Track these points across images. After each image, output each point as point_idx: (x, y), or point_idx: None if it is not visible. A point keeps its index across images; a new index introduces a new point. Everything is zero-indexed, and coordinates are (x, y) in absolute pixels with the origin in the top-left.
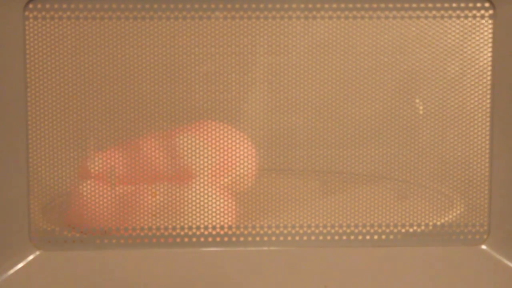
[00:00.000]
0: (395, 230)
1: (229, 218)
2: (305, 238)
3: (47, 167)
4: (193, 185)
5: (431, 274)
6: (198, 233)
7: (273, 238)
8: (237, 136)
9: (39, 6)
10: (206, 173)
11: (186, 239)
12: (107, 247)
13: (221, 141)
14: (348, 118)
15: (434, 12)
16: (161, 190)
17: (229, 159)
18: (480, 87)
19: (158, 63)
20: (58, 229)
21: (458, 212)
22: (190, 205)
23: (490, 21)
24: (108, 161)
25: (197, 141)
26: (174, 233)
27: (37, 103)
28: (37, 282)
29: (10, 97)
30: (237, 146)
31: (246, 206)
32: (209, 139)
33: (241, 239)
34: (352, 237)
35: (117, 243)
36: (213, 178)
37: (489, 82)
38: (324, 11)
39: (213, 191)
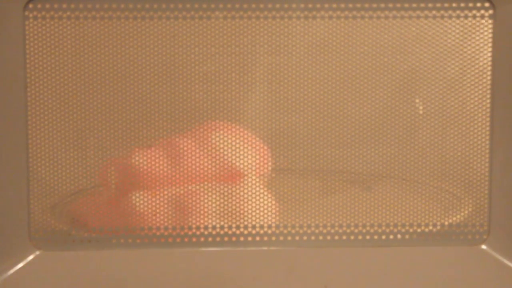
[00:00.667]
0: (395, 230)
1: (271, 217)
2: (305, 238)
3: (47, 167)
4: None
5: (431, 274)
6: (198, 233)
7: (273, 238)
8: (252, 137)
9: (39, 6)
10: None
11: (186, 239)
12: (107, 247)
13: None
14: (348, 117)
15: (434, 12)
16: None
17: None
18: (480, 87)
19: (158, 63)
20: (58, 229)
21: (458, 212)
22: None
23: (490, 21)
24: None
25: (223, 142)
26: (174, 233)
27: (37, 103)
28: (37, 282)
29: (10, 97)
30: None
31: (246, 206)
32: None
33: (241, 239)
34: (352, 237)
35: (117, 243)
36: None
37: (489, 82)
38: (324, 11)
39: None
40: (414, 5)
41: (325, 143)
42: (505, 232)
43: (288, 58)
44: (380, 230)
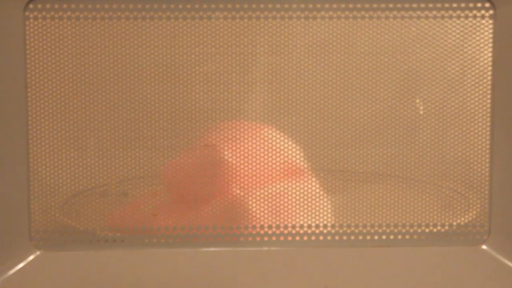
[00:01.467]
0: (395, 230)
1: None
2: (305, 238)
3: (47, 167)
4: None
5: (431, 274)
6: (198, 233)
7: (273, 238)
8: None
9: (39, 6)
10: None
11: (186, 239)
12: (107, 247)
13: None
14: (349, 117)
15: (434, 12)
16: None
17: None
18: (481, 87)
19: (158, 63)
20: (59, 229)
21: (459, 212)
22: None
23: (490, 21)
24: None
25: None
26: (174, 233)
27: (37, 103)
28: (37, 282)
29: (10, 97)
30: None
31: (246, 206)
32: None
33: (241, 239)
34: (352, 237)
35: (118, 243)
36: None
37: (489, 82)
38: (324, 11)
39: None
40: (414, 5)
41: (325, 143)
42: (505, 232)
43: (288, 58)
44: (380, 230)
